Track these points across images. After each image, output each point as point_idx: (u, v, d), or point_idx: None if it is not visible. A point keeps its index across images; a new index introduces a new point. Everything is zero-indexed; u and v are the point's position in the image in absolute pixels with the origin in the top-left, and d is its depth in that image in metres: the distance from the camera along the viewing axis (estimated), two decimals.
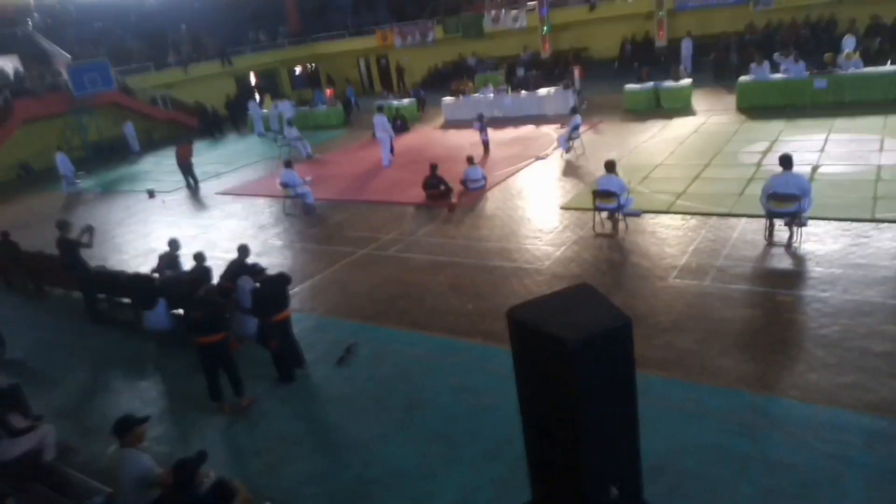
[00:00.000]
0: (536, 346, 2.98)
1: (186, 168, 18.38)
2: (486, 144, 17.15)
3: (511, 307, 3.14)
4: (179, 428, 6.94)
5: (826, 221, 9.21)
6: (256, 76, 34.68)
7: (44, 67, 26.69)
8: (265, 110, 26.39)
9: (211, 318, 6.76)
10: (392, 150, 17.57)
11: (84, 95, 24.81)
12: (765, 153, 12.92)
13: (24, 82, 25.62)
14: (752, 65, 17.97)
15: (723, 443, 5.36)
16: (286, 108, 25.30)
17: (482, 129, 17.11)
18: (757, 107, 16.99)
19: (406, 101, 24.84)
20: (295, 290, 9.39)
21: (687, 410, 5.81)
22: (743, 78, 17.88)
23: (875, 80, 15.94)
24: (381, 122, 17.26)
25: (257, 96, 30.78)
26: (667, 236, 9.76)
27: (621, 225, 10.30)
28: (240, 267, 8.43)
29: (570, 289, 3.37)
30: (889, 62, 16.98)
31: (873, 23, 21.29)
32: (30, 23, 27.69)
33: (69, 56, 26.40)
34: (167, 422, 7.03)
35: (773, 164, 11.30)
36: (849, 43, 18.73)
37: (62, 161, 19.86)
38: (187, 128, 28.18)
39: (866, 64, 16.85)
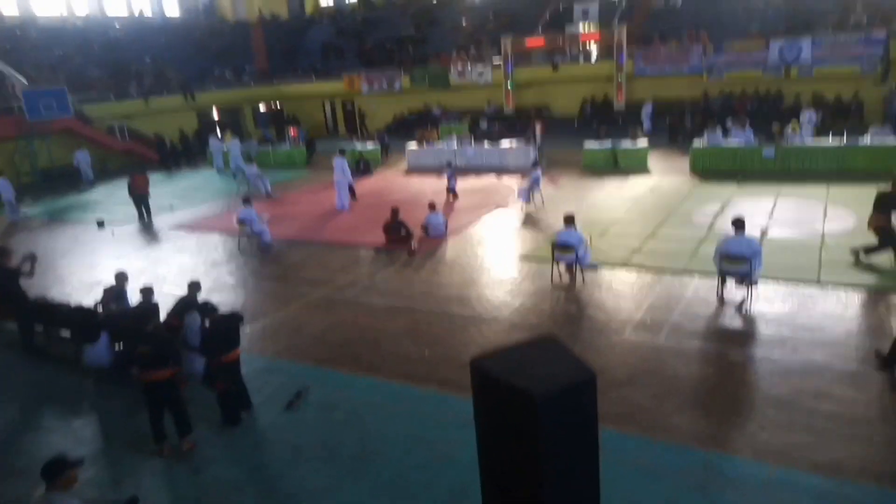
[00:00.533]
0: (500, 397, 2.91)
1: (141, 199, 17.90)
2: (454, 192, 17.29)
3: (474, 356, 3.07)
4: (113, 471, 6.51)
5: (775, 282, 9.51)
6: (219, 112, 34.46)
7: None
8: (225, 146, 26.08)
9: (160, 353, 6.47)
10: (353, 194, 17.54)
11: (38, 120, 24.15)
12: (717, 215, 13.37)
13: None
14: (706, 131, 18.79)
15: (677, 500, 5.33)
16: (234, 146, 25.17)
17: (451, 177, 17.29)
18: (709, 170, 17.69)
19: (370, 145, 24.99)
20: (246, 330, 9.10)
21: (641, 466, 5.77)
22: (697, 142, 18.66)
23: (818, 152, 16.85)
24: (340, 164, 17.07)
25: (218, 132, 30.49)
26: (623, 291, 9.90)
27: (579, 277, 10.41)
28: (189, 303, 8.15)
29: (534, 339, 3.33)
30: (830, 136, 17.99)
31: (815, 99, 22.66)
32: None
33: (25, 81, 25.76)
34: (100, 464, 6.60)
35: (725, 226, 11.70)
36: (810, 117, 19.69)
37: (4, 186, 19.09)
38: (145, 159, 27.61)
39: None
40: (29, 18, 32.29)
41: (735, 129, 18.92)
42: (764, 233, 11.65)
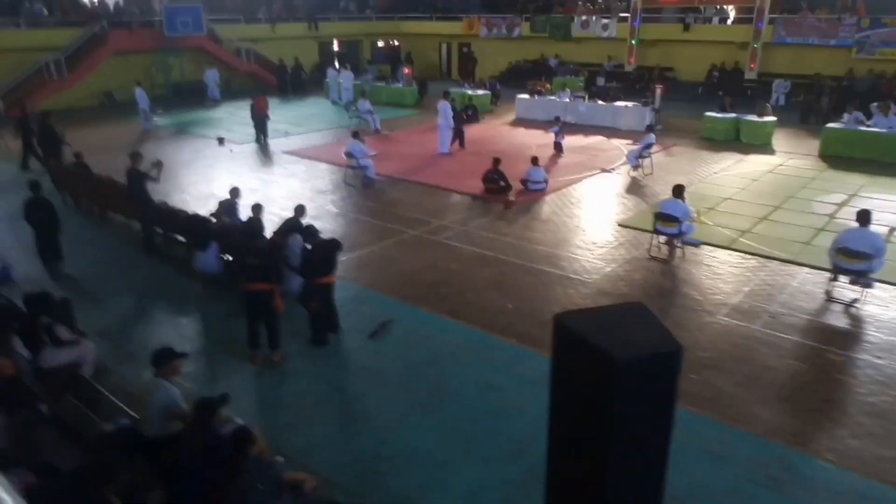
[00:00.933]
0: (579, 356, 2.92)
1: (261, 121, 18.76)
2: (559, 147, 16.96)
3: (559, 312, 3.08)
4: (210, 369, 7.12)
5: (894, 287, 8.78)
6: (340, 44, 35.09)
7: (142, 3, 27.59)
8: (340, 78, 26.59)
9: (266, 266, 6.91)
10: (462, 141, 17.45)
11: (174, 36, 25.61)
12: (840, 205, 12.39)
13: (122, 16, 26.55)
14: (845, 113, 17.22)
15: (746, 490, 5.20)
16: (347, 79, 25.66)
17: (558, 133, 16.95)
18: (840, 156, 16.28)
19: (481, 92, 24.75)
20: (342, 259, 9.46)
21: (713, 451, 5.64)
22: (830, 125, 17.17)
23: None
24: (444, 108, 16.85)
25: (337, 64, 31.10)
26: (723, 272, 9.48)
27: (678, 252, 10.04)
28: (294, 226, 8.56)
29: (623, 305, 3.29)
30: None
31: None
32: None
33: None
34: (199, 361, 7.22)
35: (847, 218, 10.85)
36: None
37: (141, 96, 20.50)
38: (265, 83, 28.75)
39: None
40: None
41: (878, 115, 17.19)
42: (892, 230, 10.70)
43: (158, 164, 10.21)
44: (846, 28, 22.79)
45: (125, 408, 5.58)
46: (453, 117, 17.09)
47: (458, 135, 17.41)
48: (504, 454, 5.63)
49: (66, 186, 13.07)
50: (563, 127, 17.25)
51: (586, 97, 22.25)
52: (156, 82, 26.77)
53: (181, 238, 10.21)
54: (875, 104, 18.21)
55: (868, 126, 16.71)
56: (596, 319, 3.05)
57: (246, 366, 7.09)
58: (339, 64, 30.63)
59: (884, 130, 16.29)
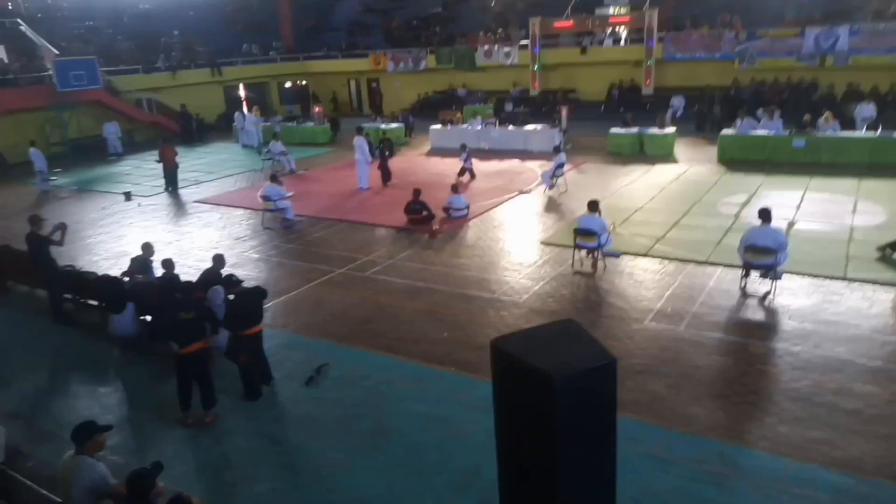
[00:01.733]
0: (519, 378, 2.94)
1: (171, 171, 18.20)
2: (471, 172, 17.28)
3: (495, 337, 3.10)
4: (137, 438, 6.70)
5: (800, 276, 9.38)
6: (246, 88, 34.63)
7: (29, 60, 26.31)
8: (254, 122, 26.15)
9: (202, 320, 6.60)
10: (388, 175, 17.39)
11: (68, 91, 24.48)
12: (743, 205, 13.19)
13: (8, 73, 25.20)
14: (738, 119, 18.45)
15: (689, 490, 5.34)
16: (251, 121, 25.48)
17: (467, 158, 17.29)
18: (737, 160, 17.39)
19: (394, 125, 24.95)
20: (268, 305, 9.19)
21: (655, 455, 5.78)
22: (725, 131, 18.35)
23: (851, 143, 16.47)
24: (360, 144, 16.89)
25: (244, 108, 30.62)
26: (644, 279, 9.85)
27: (600, 264, 10.36)
28: (214, 277, 8.27)
29: (555, 324, 3.35)
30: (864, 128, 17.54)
31: (850, 89, 22.11)
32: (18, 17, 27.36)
33: (56, 51, 26.08)
34: (125, 431, 6.78)
35: (751, 217, 11.55)
36: (866, 111, 18.78)
37: (36, 156, 19.39)
38: (169, 131, 27.90)
39: (842, 128, 17.41)
40: None
41: (765, 119, 18.54)
42: (791, 225, 11.48)
43: (62, 227, 9.61)
44: (727, 42, 24.55)
45: (47, 493, 5.14)
46: (377, 154, 17.32)
47: (384, 171, 17.38)
48: (455, 486, 5.55)
49: None
50: (469, 153, 17.66)
51: (497, 123, 22.84)
52: (52, 140, 25.42)
53: (93, 302, 9.64)
54: (761, 109, 19.65)
55: (758, 130, 17.96)
56: (531, 340, 3.09)
57: (177, 430, 6.71)
58: (247, 107, 30.11)
59: (772, 132, 17.56)
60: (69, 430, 4.99)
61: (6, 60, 26.30)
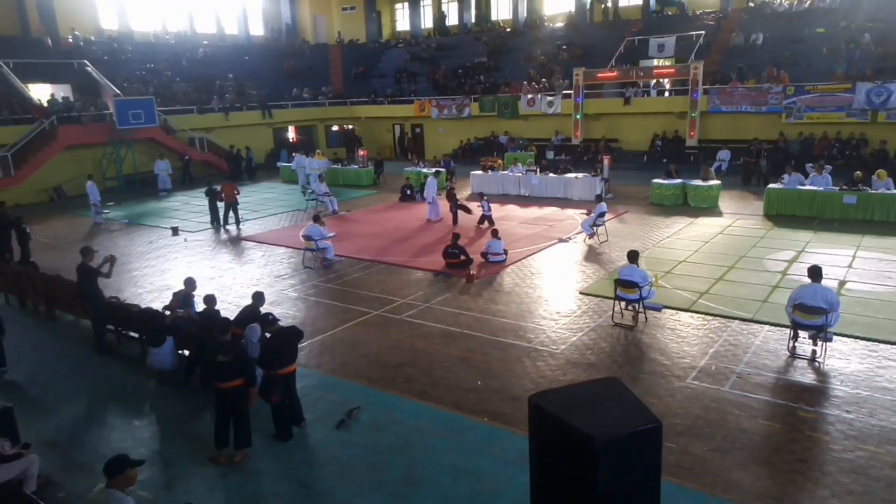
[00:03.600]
0: (558, 437, 2.82)
1: (232, 206, 18.73)
2: (489, 219, 17.32)
3: (533, 393, 2.99)
4: (167, 474, 6.68)
5: (852, 339, 8.97)
6: (296, 130, 35.68)
7: (92, 98, 27.70)
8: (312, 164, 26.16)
9: (239, 362, 6.63)
10: (456, 218, 17.97)
11: (126, 128, 25.61)
12: (791, 262, 12.80)
13: (72, 110, 26.54)
14: (785, 174, 18.10)
15: None
16: (305, 163, 25.77)
17: (486, 204, 17.50)
18: (784, 215, 16.99)
19: (435, 169, 25.23)
20: (303, 345, 9.23)
21: None
22: (772, 185, 17.99)
23: None
24: (431, 184, 19.03)
25: (293, 149, 31.26)
26: (687, 335, 9.55)
27: (641, 317, 10.12)
28: (252, 314, 8.33)
29: (596, 381, 3.23)
30: None
31: None
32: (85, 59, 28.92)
33: (118, 91, 27.41)
34: (155, 466, 6.78)
35: (799, 274, 11.19)
36: None
37: (91, 189, 20.18)
38: (218, 170, 28.79)
39: None
40: (126, 33, 34.42)
41: (813, 174, 18.13)
42: (842, 284, 11.06)
43: (111, 259, 9.90)
44: (774, 95, 24.33)
45: None
46: (448, 197, 18.42)
47: (455, 212, 17.93)
48: None
49: (9, 285, 12.54)
50: (489, 200, 17.90)
51: (538, 170, 22.90)
52: (108, 175, 26.51)
53: (134, 334, 9.81)
54: (810, 164, 19.25)
55: (806, 185, 17.56)
56: (571, 398, 2.97)
57: (206, 468, 6.68)
58: (298, 150, 30.40)
59: (821, 188, 17.14)
60: (102, 461, 5.02)
61: (71, 98, 27.75)
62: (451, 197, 18.16)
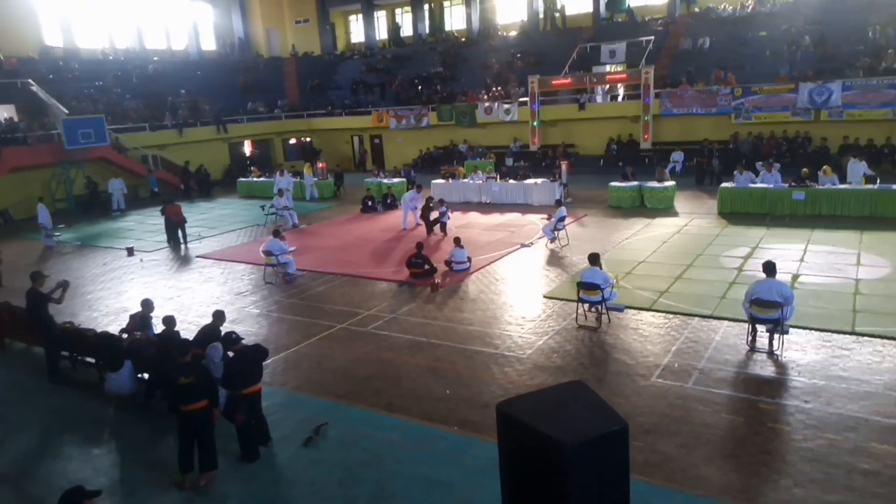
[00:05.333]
0: (528, 444, 2.82)
1: (178, 226, 18.34)
2: (444, 226, 17.44)
3: (501, 401, 2.99)
4: (129, 503, 6.45)
5: (807, 331, 9.24)
6: (252, 144, 35.20)
7: (39, 118, 26.85)
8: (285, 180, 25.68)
9: (202, 383, 6.45)
10: (429, 226, 17.90)
11: (75, 148, 24.86)
12: (746, 258, 13.14)
13: (17, 131, 25.65)
14: (736, 173, 18.62)
15: None
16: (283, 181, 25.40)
17: (444, 213, 17.58)
18: (737, 213, 17.47)
19: (396, 180, 25.19)
20: (267, 363, 9.05)
21: None
22: (725, 184, 18.49)
23: (851, 196, 16.55)
24: (415, 197, 18.86)
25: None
26: (649, 334, 9.71)
27: (604, 318, 10.24)
28: (212, 333, 8.15)
29: (563, 385, 3.24)
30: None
31: (844, 143, 22.42)
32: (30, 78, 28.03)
33: (66, 110, 26.62)
34: (117, 495, 6.55)
35: (754, 270, 11.49)
36: (858, 168, 18.52)
37: (41, 212, 19.51)
38: (172, 187, 28.20)
39: (841, 181, 17.53)
40: (72, 50, 33.50)
41: (763, 172, 18.72)
42: (795, 278, 11.39)
43: (64, 284, 9.53)
44: (723, 97, 25.08)
45: None
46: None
47: (427, 223, 17.85)
48: None
49: None
50: (447, 207, 18.06)
51: (497, 177, 23.07)
52: (57, 197, 25.68)
53: (90, 359, 9.49)
54: (760, 163, 19.86)
55: (757, 183, 18.10)
56: (538, 404, 2.98)
57: (170, 494, 6.48)
58: (252, 164, 30.06)
59: (771, 186, 17.70)
60: (58, 494, 4.83)
61: (16, 119, 26.84)
62: (428, 209, 18.07)
